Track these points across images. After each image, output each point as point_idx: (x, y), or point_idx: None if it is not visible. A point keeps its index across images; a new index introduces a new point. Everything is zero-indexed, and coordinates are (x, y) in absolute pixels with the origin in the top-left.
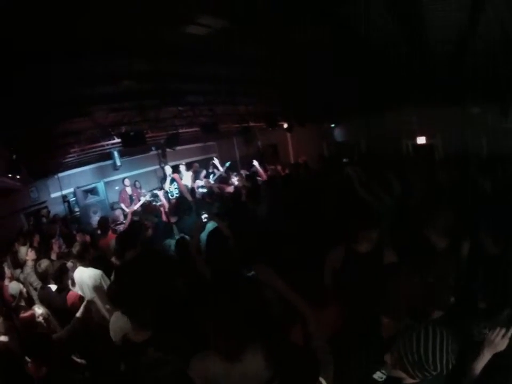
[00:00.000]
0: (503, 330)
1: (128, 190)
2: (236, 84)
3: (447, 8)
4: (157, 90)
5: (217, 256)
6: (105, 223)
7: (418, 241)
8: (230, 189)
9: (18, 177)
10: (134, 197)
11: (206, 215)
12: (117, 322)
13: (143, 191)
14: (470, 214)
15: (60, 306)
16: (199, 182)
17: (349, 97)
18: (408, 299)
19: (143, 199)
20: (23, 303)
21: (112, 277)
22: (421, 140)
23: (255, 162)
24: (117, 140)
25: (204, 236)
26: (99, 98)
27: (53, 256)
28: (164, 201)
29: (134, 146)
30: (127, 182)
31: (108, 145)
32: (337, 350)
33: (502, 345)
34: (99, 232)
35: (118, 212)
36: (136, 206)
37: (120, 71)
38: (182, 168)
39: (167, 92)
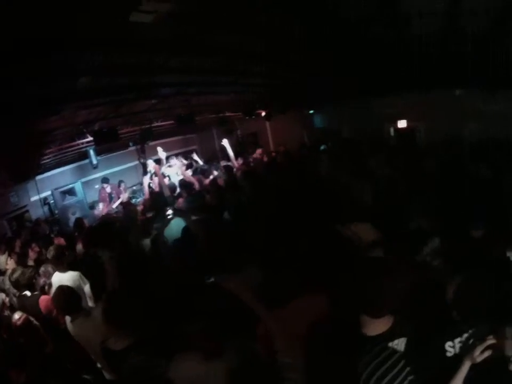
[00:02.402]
0: (484, 343)
1: (108, 188)
2: (211, 74)
3: None
4: (127, 84)
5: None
6: (81, 224)
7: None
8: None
9: None
10: (113, 195)
11: (170, 211)
12: (82, 331)
13: (122, 187)
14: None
15: (35, 312)
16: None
17: (327, 83)
18: (393, 295)
19: (122, 197)
20: (6, 313)
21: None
22: (403, 124)
23: (224, 141)
24: (91, 138)
25: (170, 232)
26: (68, 96)
27: (31, 262)
28: (147, 195)
29: (106, 143)
30: (106, 181)
31: (82, 143)
32: (312, 354)
33: (480, 357)
34: (76, 233)
35: (97, 211)
36: (115, 205)
37: (86, 67)
38: (173, 160)
39: (138, 86)
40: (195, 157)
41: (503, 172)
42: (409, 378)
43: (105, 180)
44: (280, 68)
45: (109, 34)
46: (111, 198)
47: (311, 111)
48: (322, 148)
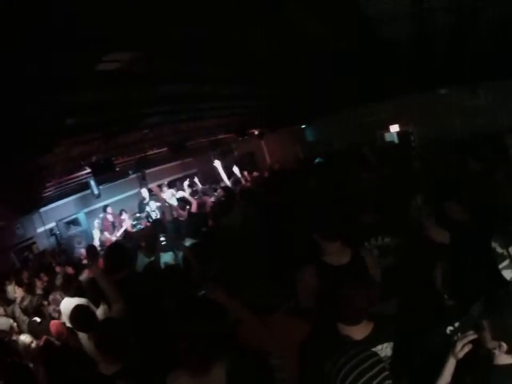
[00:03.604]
0: (464, 339)
1: (109, 217)
2: (197, 100)
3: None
4: (116, 117)
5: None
6: (93, 250)
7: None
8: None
9: None
10: (116, 224)
11: (163, 238)
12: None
13: (125, 216)
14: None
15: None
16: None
17: (315, 96)
18: (365, 302)
19: (124, 225)
20: (15, 337)
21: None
22: (395, 129)
23: (235, 168)
24: (89, 170)
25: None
26: (66, 132)
27: (39, 291)
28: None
29: (104, 174)
30: (109, 209)
31: (83, 175)
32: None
33: (461, 353)
34: (88, 261)
35: (103, 238)
36: (119, 233)
37: (72, 105)
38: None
39: (127, 118)
40: (195, 180)
41: (493, 165)
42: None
43: (106, 208)
44: (266, 87)
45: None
46: (114, 227)
47: (303, 126)
48: (317, 160)
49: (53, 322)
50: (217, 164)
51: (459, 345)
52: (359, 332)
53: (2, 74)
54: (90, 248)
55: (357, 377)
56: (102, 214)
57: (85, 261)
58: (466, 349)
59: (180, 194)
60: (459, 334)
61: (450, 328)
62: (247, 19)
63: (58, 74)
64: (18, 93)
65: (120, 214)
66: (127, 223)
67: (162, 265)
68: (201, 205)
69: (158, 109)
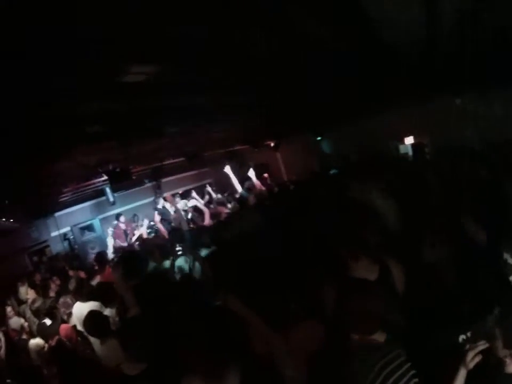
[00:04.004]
0: (475, 349)
1: (122, 225)
2: (214, 111)
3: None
4: (136, 126)
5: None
6: (102, 258)
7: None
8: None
9: (11, 220)
10: (128, 232)
11: (179, 247)
12: (111, 353)
13: (139, 223)
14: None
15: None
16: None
17: (329, 107)
18: (378, 313)
19: (137, 233)
20: (25, 336)
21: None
22: (410, 140)
23: (251, 171)
24: (106, 177)
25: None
26: (82, 140)
27: (52, 294)
28: (162, 229)
29: (120, 182)
30: (122, 218)
31: (99, 182)
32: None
33: (472, 363)
34: (96, 267)
35: (117, 246)
36: (133, 239)
37: (92, 114)
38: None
39: (145, 127)
40: (209, 189)
41: (504, 174)
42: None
43: (119, 216)
44: (281, 99)
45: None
46: (126, 235)
47: (319, 138)
48: (332, 172)
49: (63, 326)
50: (228, 169)
51: (470, 355)
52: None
53: (24, 81)
54: (99, 256)
55: (387, 375)
56: (115, 222)
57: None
58: (477, 359)
59: (192, 203)
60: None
61: (462, 337)
62: (267, 31)
63: (79, 83)
64: (38, 99)
65: (134, 220)
66: (142, 229)
67: (176, 270)
68: (215, 215)
69: (175, 119)
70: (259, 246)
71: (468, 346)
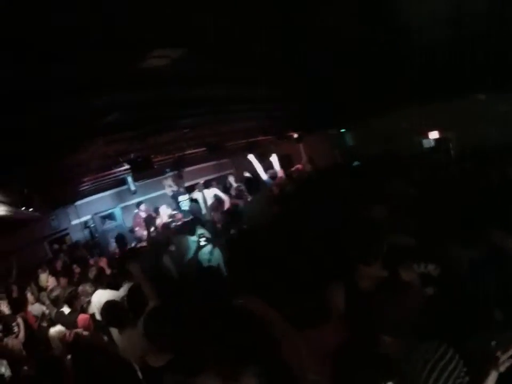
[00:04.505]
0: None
1: (142, 214)
2: (238, 102)
3: None
4: (156, 117)
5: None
6: (122, 240)
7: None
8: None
9: (31, 209)
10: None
11: (203, 237)
12: (129, 343)
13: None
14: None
15: (71, 328)
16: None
17: (355, 100)
18: (408, 315)
19: (160, 220)
20: (45, 324)
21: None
22: (434, 135)
23: (273, 157)
24: (128, 166)
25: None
26: (101, 130)
27: (72, 282)
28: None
29: (142, 172)
30: (142, 207)
31: (120, 171)
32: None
33: (503, 366)
34: (117, 249)
35: (139, 233)
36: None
37: (114, 104)
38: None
39: (167, 117)
40: (231, 179)
41: None
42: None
43: (140, 205)
44: (307, 90)
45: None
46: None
47: (343, 130)
48: (355, 164)
49: (81, 316)
50: (252, 157)
51: (502, 358)
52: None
53: (47, 72)
54: (119, 237)
55: (439, 373)
56: (136, 211)
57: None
58: (509, 363)
59: (213, 192)
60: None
61: (494, 342)
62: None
63: (102, 71)
64: (59, 87)
65: (156, 212)
66: (164, 217)
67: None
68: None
69: (199, 109)
70: (279, 241)
71: (499, 350)
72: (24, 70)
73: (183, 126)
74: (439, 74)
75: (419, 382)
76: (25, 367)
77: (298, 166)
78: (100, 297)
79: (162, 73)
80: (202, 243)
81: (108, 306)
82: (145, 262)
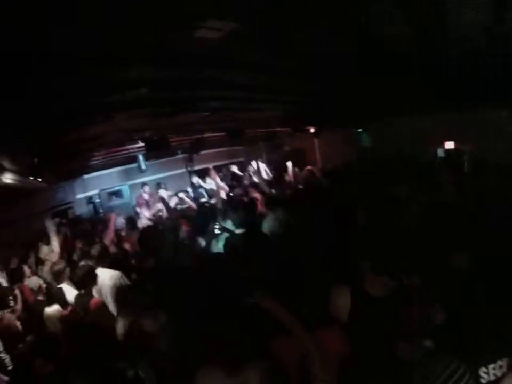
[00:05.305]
0: None
1: (145, 195)
2: (260, 91)
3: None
4: (179, 97)
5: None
6: (133, 221)
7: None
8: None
9: (40, 180)
10: (150, 203)
11: (217, 227)
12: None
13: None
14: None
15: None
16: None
17: (376, 101)
18: (422, 320)
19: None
20: (41, 297)
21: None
22: (450, 145)
23: (289, 164)
24: (141, 144)
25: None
26: (121, 105)
27: (75, 256)
28: (190, 203)
29: (157, 151)
30: (146, 188)
31: (132, 149)
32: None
33: None
34: (128, 228)
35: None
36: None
37: (140, 79)
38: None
39: (189, 99)
40: (235, 169)
41: None
42: None
43: (144, 186)
44: (329, 87)
45: (170, 50)
46: (148, 206)
47: (360, 129)
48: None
49: (94, 299)
50: (254, 164)
51: None
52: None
53: (64, 43)
54: (130, 220)
55: None
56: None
57: (123, 233)
58: None
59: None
60: None
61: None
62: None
63: (124, 46)
64: (77, 60)
65: (159, 187)
66: (171, 201)
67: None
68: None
69: (224, 94)
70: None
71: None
72: (44, 32)
73: (205, 108)
74: (466, 85)
75: None
76: (21, 345)
77: (310, 167)
78: (102, 275)
79: (197, 52)
80: (216, 232)
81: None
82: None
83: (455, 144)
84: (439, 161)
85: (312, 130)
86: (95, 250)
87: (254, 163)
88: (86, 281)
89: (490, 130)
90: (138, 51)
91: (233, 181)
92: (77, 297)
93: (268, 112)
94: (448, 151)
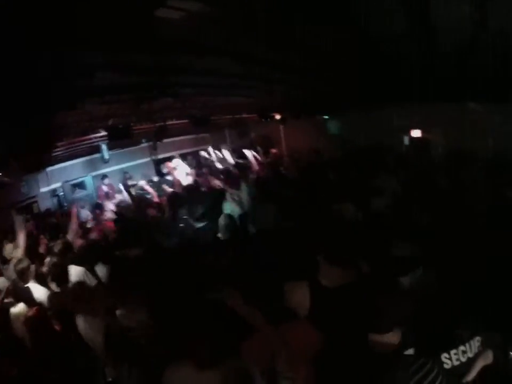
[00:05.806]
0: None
1: (104, 188)
2: (229, 78)
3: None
4: (146, 83)
5: None
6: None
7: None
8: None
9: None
10: (110, 194)
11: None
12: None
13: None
14: None
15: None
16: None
17: (345, 89)
18: (398, 311)
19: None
20: (6, 300)
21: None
22: (417, 134)
23: (247, 152)
24: (104, 133)
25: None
26: (87, 92)
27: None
28: (152, 192)
29: (120, 140)
30: (106, 180)
31: (95, 138)
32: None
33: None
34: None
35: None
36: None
37: (107, 64)
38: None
39: (156, 84)
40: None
41: None
42: None
43: (104, 178)
44: (298, 75)
45: (133, 33)
46: (107, 198)
47: (326, 117)
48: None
49: None
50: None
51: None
52: (393, 338)
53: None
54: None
55: None
56: (107, 180)
57: (88, 225)
58: None
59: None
60: None
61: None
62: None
63: (93, 29)
64: (45, 46)
65: (125, 177)
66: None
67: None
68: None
69: (190, 80)
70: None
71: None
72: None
73: (173, 95)
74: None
75: None
76: None
77: (274, 150)
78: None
79: (168, 36)
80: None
81: None
82: None
83: (422, 133)
84: (405, 149)
85: (278, 117)
86: (57, 247)
87: (218, 151)
88: (62, 279)
89: (459, 121)
90: (100, 32)
91: (200, 168)
92: (51, 297)
93: (234, 99)
94: (413, 139)
